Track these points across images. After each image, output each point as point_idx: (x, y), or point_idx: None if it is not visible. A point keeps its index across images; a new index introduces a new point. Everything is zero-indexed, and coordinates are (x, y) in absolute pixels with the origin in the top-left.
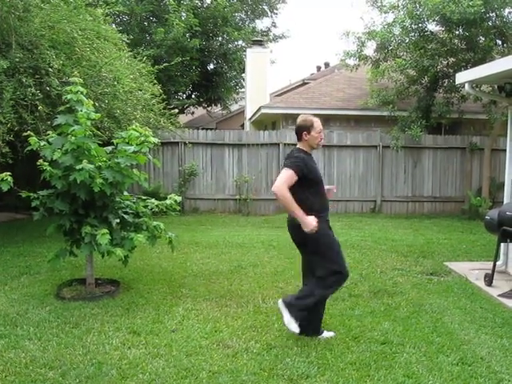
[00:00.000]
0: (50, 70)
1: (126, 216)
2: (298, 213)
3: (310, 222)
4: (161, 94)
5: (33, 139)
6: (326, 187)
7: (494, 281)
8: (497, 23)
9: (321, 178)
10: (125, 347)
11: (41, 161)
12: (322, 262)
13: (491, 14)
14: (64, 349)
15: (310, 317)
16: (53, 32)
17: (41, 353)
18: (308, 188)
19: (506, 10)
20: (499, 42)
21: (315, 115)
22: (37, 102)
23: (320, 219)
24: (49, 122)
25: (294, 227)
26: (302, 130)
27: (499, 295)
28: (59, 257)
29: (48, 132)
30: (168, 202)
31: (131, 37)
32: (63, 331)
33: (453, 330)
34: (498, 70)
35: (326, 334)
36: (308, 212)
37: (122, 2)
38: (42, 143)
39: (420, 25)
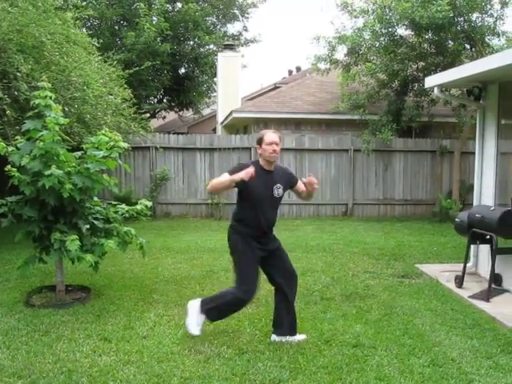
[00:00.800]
0: (18, 74)
1: (96, 222)
2: (226, 179)
3: (241, 175)
4: (131, 99)
5: (1, 144)
6: (303, 180)
7: (464, 282)
8: (465, 28)
9: (260, 197)
10: (95, 354)
11: (9, 166)
12: (236, 271)
13: (459, 19)
14: (33, 357)
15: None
16: (21, 36)
17: (9, 361)
18: (241, 201)
19: (474, 15)
20: (468, 47)
21: (286, 119)
22: (5, 107)
23: (243, 232)
24: (17, 127)
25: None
26: (256, 145)
27: (469, 297)
28: (28, 264)
29: (16, 137)
30: (139, 207)
31: (101, 41)
32: (33, 339)
33: (424, 332)
34: (467, 73)
35: (299, 337)
36: (238, 222)
37: (92, 6)
38: (10, 149)
39: (390, 29)
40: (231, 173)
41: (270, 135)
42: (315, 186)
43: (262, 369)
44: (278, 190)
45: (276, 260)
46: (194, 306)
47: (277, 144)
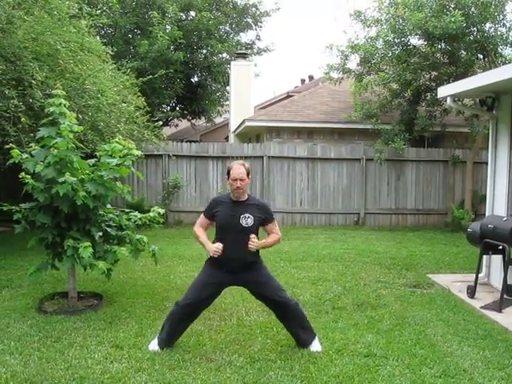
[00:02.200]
0: (33, 81)
1: (108, 229)
2: (202, 242)
3: (211, 248)
4: (145, 107)
5: (15, 152)
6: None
7: (476, 293)
8: (478, 38)
9: (224, 227)
10: (107, 361)
11: (23, 173)
12: None
13: (472, 29)
14: (45, 363)
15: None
16: (36, 44)
17: (22, 368)
18: (216, 230)
19: (487, 25)
20: (480, 57)
21: (299, 128)
22: (19, 114)
23: (211, 260)
24: (32, 135)
25: None
26: (226, 175)
27: (482, 307)
28: (41, 270)
29: (31, 144)
30: (151, 214)
31: (115, 49)
32: (45, 345)
33: (436, 342)
34: (480, 84)
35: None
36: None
37: (106, 14)
38: (25, 156)
39: (403, 39)
40: (205, 212)
41: (235, 171)
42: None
43: (274, 378)
44: (246, 219)
45: (261, 292)
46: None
47: (241, 180)
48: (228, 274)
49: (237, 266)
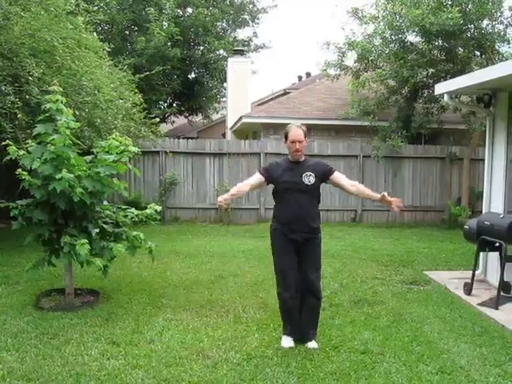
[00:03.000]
0: (30, 78)
1: (105, 226)
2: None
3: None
4: (142, 103)
5: (12, 148)
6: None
7: (473, 290)
8: (475, 35)
9: (285, 187)
10: (104, 358)
11: (20, 170)
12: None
13: (470, 26)
14: (42, 360)
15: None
16: (33, 40)
17: (18, 364)
18: (274, 195)
19: (484, 22)
20: (478, 54)
21: None
22: (16, 111)
23: (276, 225)
24: (28, 131)
25: None
26: (284, 139)
27: (478, 304)
28: (37, 266)
29: (27, 141)
30: (148, 211)
31: (112, 45)
32: (41, 342)
33: (432, 339)
34: (477, 81)
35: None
36: (272, 218)
37: (103, 11)
38: (22, 152)
39: (400, 36)
40: (262, 171)
41: (293, 133)
42: (394, 207)
43: (270, 374)
44: (308, 177)
45: (302, 262)
46: None
47: (300, 141)
48: (292, 240)
49: (299, 232)
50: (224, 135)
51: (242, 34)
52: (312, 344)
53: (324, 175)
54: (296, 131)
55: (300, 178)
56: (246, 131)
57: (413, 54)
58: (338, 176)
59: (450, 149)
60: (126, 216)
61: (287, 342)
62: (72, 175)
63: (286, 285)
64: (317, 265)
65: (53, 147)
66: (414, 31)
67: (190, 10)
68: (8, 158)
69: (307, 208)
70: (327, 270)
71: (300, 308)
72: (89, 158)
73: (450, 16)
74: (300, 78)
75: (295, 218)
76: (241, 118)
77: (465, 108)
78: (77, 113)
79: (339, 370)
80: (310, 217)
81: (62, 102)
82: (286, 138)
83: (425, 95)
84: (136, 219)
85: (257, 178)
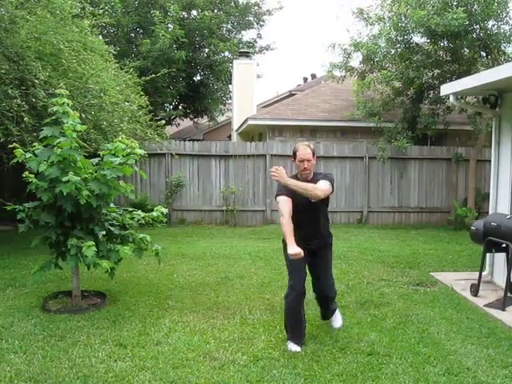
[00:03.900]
0: (36, 81)
1: (112, 228)
2: (289, 241)
3: (293, 251)
4: (147, 106)
5: (19, 151)
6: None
7: (479, 291)
8: (481, 35)
9: (297, 206)
10: (111, 360)
11: (27, 173)
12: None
13: (475, 27)
14: (49, 362)
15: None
16: (39, 43)
17: (26, 366)
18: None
19: (490, 23)
20: (483, 54)
21: (302, 126)
22: (22, 114)
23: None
24: (35, 134)
25: None
26: (292, 158)
27: (485, 305)
28: (44, 269)
29: (34, 144)
30: (155, 213)
31: (118, 48)
32: (49, 344)
33: (439, 341)
34: (482, 81)
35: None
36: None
37: (108, 14)
38: (28, 155)
39: (405, 37)
40: (283, 193)
41: (301, 152)
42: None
43: (277, 376)
44: None
45: (316, 269)
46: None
47: (308, 160)
48: (306, 249)
49: (313, 243)
50: (230, 137)
51: (247, 35)
52: (337, 323)
53: (330, 179)
54: (304, 150)
55: (309, 198)
56: (252, 133)
57: (418, 55)
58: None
59: (455, 150)
60: (132, 218)
61: (295, 346)
62: (78, 178)
63: (296, 281)
64: (330, 268)
65: (59, 150)
66: (419, 32)
67: (194, 12)
68: (15, 160)
69: (319, 223)
70: (333, 271)
71: (319, 302)
72: (95, 160)
73: (455, 17)
74: (305, 79)
75: (308, 234)
76: (246, 120)
77: (471, 109)
78: (83, 115)
79: (346, 372)
80: (322, 231)
81: (68, 105)
82: (295, 156)
83: (430, 96)
84: (142, 221)
85: (285, 201)
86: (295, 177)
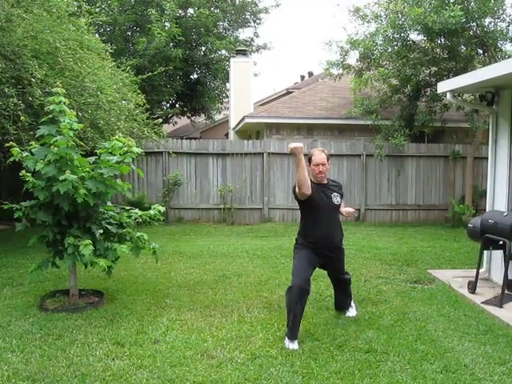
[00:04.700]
0: (33, 80)
1: (109, 226)
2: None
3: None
4: (144, 104)
5: (15, 150)
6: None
7: (477, 288)
8: (478, 33)
9: (318, 206)
10: (108, 358)
11: (23, 172)
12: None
13: (472, 24)
14: (47, 361)
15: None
16: (35, 42)
17: (24, 365)
18: (304, 212)
19: (487, 20)
20: (480, 52)
21: (299, 124)
22: (19, 113)
23: (302, 241)
24: (31, 133)
25: None
26: (307, 163)
27: (482, 302)
28: (41, 268)
29: (31, 142)
30: (152, 212)
31: (114, 47)
32: (46, 343)
33: (436, 338)
34: (479, 79)
35: (291, 345)
36: (299, 234)
37: (105, 12)
38: (25, 154)
39: (402, 34)
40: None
41: (316, 157)
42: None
43: (275, 374)
44: (336, 198)
45: (332, 268)
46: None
47: (323, 164)
48: (319, 255)
49: (329, 246)
50: (227, 135)
51: (244, 34)
52: (352, 312)
53: (342, 195)
54: (319, 155)
55: (330, 198)
56: (249, 131)
57: (415, 53)
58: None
59: (453, 147)
60: (129, 217)
61: (292, 344)
62: (75, 176)
63: (299, 276)
64: (343, 266)
65: (56, 149)
66: (416, 30)
67: (191, 10)
68: (12, 159)
69: (335, 225)
70: None
71: (335, 288)
72: (92, 159)
73: (452, 14)
74: (302, 77)
75: (324, 236)
76: (244, 118)
77: (468, 106)
78: (80, 114)
79: (343, 369)
80: (336, 233)
81: (64, 104)
82: (310, 161)
83: (427, 94)
84: (140, 220)
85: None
86: (309, 180)
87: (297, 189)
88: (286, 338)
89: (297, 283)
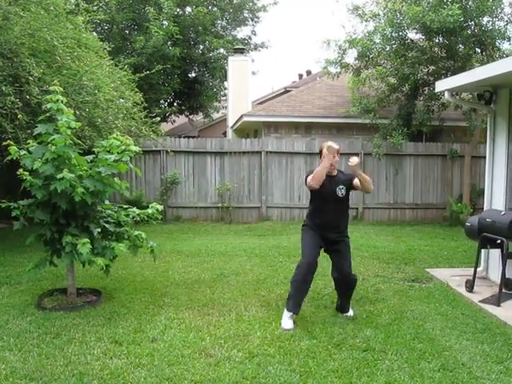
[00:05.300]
0: (30, 78)
1: (107, 225)
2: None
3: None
4: (142, 102)
5: (13, 148)
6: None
7: (475, 287)
8: (476, 32)
9: (322, 197)
10: (106, 357)
11: (21, 170)
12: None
13: (470, 23)
14: (45, 359)
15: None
16: (33, 40)
17: (21, 364)
18: (312, 200)
19: (485, 19)
20: (478, 51)
21: (297, 123)
22: (16, 111)
23: (308, 222)
24: (29, 131)
25: None
26: (318, 155)
27: (480, 301)
28: (39, 267)
29: (28, 141)
30: (150, 210)
31: (112, 45)
32: (44, 342)
33: (434, 337)
34: (477, 78)
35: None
36: (307, 217)
37: (102, 10)
38: (23, 152)
39: (400, 33)
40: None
41: (330, 149)
42: (353, 165)
43: (273, 372)
44: (341, 190)
45: (335, 256)
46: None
47: (333, 156)
48: (322, 237)
49: (330, 234)
50: (225, 134)
51: (242, 32)
52: (350, 313)
53: (350, 185)
54: (331, 147)
55: (334, 191)
56: (247, 130)
57: (413, 52)
58: (356, 180)
59: (451, 146)
60: (127, 215)
61: (288, 323)
62: (73, 175)
63: (308, 255)
64: (348, 258)
65: (54, 147)
66: (414, 28)
67: (189, 8)
68: (9, 158)
69: (338, 215)
70: (329, 267)
71: (338, 291)
72: (90, 157)
73: (450, 13)
74: (300, 76)
75: (327, 224)
76: (242, 117)
77: (466, 105)
78: (77, 112)
79: (341, 368)
80: (339, 223)
81: (62, 102)
82: (321, 154)
83: (425, 92)
84: (138, 218)
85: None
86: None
87: (309, 179)
88: (285, 312)
89: (305, 260)
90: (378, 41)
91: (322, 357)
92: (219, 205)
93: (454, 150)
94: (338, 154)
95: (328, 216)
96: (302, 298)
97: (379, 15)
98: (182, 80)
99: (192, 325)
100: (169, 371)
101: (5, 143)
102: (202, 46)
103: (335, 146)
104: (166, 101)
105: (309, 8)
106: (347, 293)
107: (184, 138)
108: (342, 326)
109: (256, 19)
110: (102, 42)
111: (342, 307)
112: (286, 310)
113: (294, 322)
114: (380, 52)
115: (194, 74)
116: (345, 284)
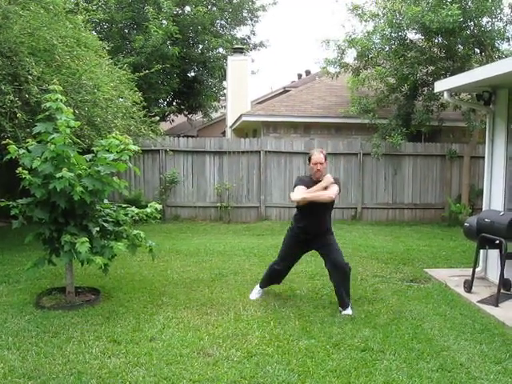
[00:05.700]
0: (30, 77)
1: (106, 224)
2: (316, 192)
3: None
4: (141, 102)
5: (12, 147)
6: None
7: (473, 287)
8: (475, 32)
9: (308, 205)
10: (105, 356)
11: (20, 169)
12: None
13: (469, 23)
14: (43, 358)
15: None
16: (32, 39)
17: (20, 363)
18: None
19: (484, 19)
20: (477, 51)
21: (296, 123)
22: (16, 110)
23: (294, 226)
24: (28, 130)
25: None
26: (307, 161)
27: (478, 301)
28: (37, 265)
29: (27, 140)
30: (148, 210)
31: (111, 44)
32: (42, 340)
33: (432, 337)
34: (476, 78)
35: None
36: (293, 220)
37: (102, 10)
38: (22, 151)
39: (400, 33)
40: (300, 184)
41: (315, 157)
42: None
43: (271, 372)
44: None
45: (326, 252)
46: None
47: (321, 163)
48: (305, 240)
49: (313, 234)
50: (224, 134)
51: (241, 32)
52: (347, 311)
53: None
54: (318, 155)
55: None
56: (246, 129)
57: (412, 52)
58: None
59: (449, 146)
60: (126, 214)
61: (255, 294)
62: (72, 174)
63: (282, 257)
64: (335, 246)
65: (53, 146)
66: (413, 29)
67: (188, 8)
68: (8, 157)
69: (322, 218)
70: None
71: (333, 282)
72: (89, 156)
73: (449, 13)
74: (300, 75)
75: (309, 225)
76: (241, 117)
77: (465, 105)
78: (76, 112)
79: (339, 368)
80: (321, 224)
81: (61, 101)
82: (310, 160)
83: (425, 93)
84: (136, 218)
85: (300, 189)
86: (309, 177)
87: (295, 197)
88: (256, 286)
89: (274, 262)
90: (377, 41)
91: (321, 356)
92: (218, 204)
93: (453, 150)
94: (326, 161)
95: (312, 220)
96: (268, 281)
97: (379, 15)
98: (181, 79)
99: (190, 324)
100: (167, 370)
101: (4, 142)
102: (201, 46)
103: (318, 155)
104: (165, 100)
105: (308, 8)
106: (343, 283)
107: (183, 137)
108: (341, 326)
109: (255, 19)
110: (101, 41)
111: (341, 302)
112: (258, 285)
113: (289, 318)
114: (379, 52)
115: (193, 74)
116: (339, 273)
